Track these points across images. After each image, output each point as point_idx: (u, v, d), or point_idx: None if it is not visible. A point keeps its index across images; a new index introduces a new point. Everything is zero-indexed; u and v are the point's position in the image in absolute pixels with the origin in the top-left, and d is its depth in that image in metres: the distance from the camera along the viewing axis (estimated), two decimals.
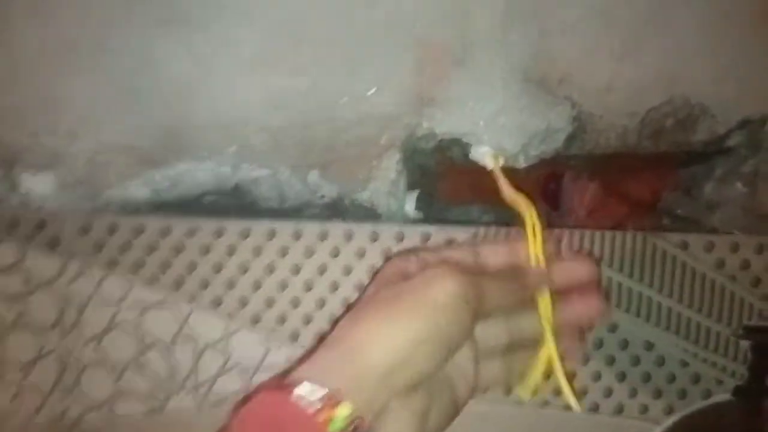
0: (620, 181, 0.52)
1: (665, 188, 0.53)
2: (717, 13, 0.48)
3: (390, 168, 0.50)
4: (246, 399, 0.33)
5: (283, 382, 0.33)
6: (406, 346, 0.33)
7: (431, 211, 0.51)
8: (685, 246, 0.49)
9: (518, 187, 0.45)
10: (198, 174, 0.47)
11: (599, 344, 0.49)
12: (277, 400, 0.32)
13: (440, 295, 0.34)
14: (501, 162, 0.49)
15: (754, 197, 0.52)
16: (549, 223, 0.43)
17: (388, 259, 0.44)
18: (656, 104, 0.50)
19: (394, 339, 0.34)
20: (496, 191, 0.46)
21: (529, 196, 0.44)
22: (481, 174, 0.48)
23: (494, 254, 0.41)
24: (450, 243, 0.49)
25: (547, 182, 0.53)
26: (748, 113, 0.50)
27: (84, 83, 0.47)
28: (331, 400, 0.32)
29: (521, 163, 0.50)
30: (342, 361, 0.33)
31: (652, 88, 0.49)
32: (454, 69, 0.48)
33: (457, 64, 0.48)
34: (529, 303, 0.39)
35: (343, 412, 0.31)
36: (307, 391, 0.32)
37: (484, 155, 0.49)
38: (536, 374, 0.40)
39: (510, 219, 0.45)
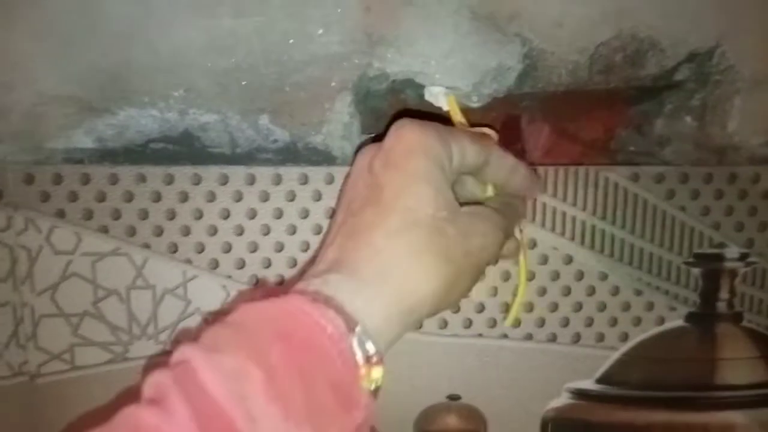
0: (574, 120, 0.53)
1: (618, 126, 0.54)
2: None
3: (343, 111, 0.50)
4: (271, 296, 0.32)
5: (331, 312, 0.32)
6: (440, 283, 0.35)
7: None
8: (636, 178, 0.50)
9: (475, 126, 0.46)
10: (143, 121, 0.47)
11: (555, 276, 0.51)
12: (324, 334, 0.31)
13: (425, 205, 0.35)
14: (456, 102, 0.49)
15: (703, 130, 0.53)
16: None
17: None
18: (605, 39, 0.50)
19: (429, 279, 0.34)
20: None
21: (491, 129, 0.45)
22: (438, 116, 0.48)
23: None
24: None
25: (504, 125, 0.53)
26: (695, 46, 0.51)
27: (18, 32, 0.45)
28: (374, 359, 0.32)
29: (475, 103, 0.50)
30: (383, 300, 0.33)
31: (601, 23, 0.50)
32: (402, 7, 0.48)
33: (405, 3, 0.48)
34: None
35: (378, 374, 0.32)
36: (357, 343, 0.31)
37: (438, 96, 0.50)
38: (517, 305, 0.46)
39: None
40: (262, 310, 0.32)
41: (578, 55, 0.50)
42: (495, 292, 0.50)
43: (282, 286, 0.38)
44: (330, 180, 0.48)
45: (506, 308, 0.50)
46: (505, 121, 0.53)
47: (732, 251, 0.52)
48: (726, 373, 0.53)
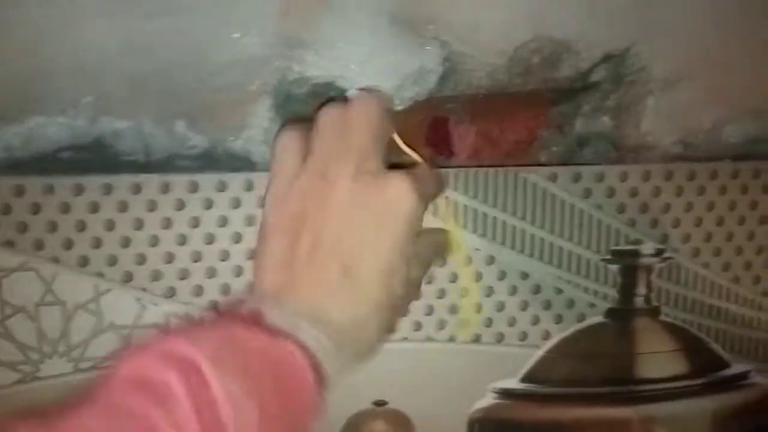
0: (498, 122, 0.54)
1: (540, 127, 0.55)
2: None
3: (263, 115, 0.50)
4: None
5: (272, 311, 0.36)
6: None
7: None
8: (554, 178, 0.52)
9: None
10: (52, 129, 0.46)
11: (479, 277, 0.51)
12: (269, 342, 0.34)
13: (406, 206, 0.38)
14: None
15: (619, 130, 0.55)
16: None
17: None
18: (522, 42, 0.51)
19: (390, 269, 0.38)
20: None
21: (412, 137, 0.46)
22: None
23: None
24: None
25: (432, 128, 0.54)
26: (609, 48, 0.52)
27: None
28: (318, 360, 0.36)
29: (397, 106, 0.51)
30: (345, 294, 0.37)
31: (518, 27, 0.52)
32: (321, 11, 0.48)
33: (324, 6, 0.48)
34: None
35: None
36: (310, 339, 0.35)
37: None
38: (466, 315, 0.48)
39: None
40: (261, 343, 0.34)
41: (497, 58, 0.52)
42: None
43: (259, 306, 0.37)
44: (249, 186, 0.48)
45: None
46: (432, 123, 0.53)
47: (648, 247, 0.54)
48: (646, 366, 0.56)
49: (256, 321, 0.35)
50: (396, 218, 0.38)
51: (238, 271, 0.50)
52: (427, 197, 0.40)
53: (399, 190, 0.38)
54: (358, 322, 0.37)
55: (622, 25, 0.55)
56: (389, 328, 0.40)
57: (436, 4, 0.52)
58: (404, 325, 0.53)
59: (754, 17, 0.56)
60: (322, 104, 0.42)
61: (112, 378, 0.32)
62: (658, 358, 0.58)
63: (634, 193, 0.55)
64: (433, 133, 0.56)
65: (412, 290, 0.41)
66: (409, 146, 0.45)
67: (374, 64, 0.52)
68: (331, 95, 0.50)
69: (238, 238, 0.50)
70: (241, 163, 0.51)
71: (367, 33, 0.51)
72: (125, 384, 0.32)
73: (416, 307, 0.53)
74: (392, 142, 0.44)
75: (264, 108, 0.51)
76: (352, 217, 0.38)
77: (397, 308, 0.39)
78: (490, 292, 0.54)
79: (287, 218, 0.39)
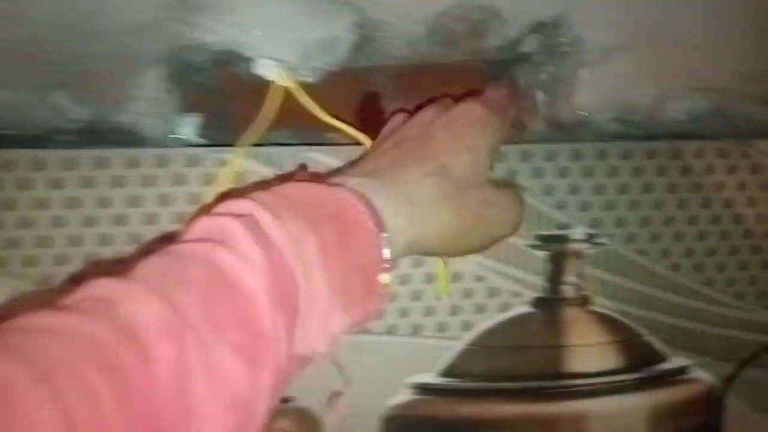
0: (429, 98, 0.50)
1: None
2: None
3: (153, 85, 0.46)
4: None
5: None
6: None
7: (224, 136, 0.47)
8: None
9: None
10: None
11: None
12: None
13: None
14: (293, 78, 0.45)
15: (552, 106, 0.51)
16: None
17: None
18: (445, 8, 0.47)
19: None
20: (301, 110, 0.46)
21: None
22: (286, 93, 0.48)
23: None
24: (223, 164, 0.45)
25: (364, 103, 0.50)
26: (539, 16, 0.48)
27: None
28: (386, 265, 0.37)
29: (307, 77, 0.47)
30: (404, 222, 0.38)
31: None
32: None
33: None
34: None
35: (387, 279, 0.37)
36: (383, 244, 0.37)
37: (269, 69, 0.46)
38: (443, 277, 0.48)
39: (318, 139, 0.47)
40: (315, 192, 0.37)
41: (416, 26, 0.48)
42: None
43: (317, 175, 0.43)
44: (133, 163, 0.43)
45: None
46: (363, 99, 0.49)
47: (577, 232, 0.52)
48: (575, 360, 0.54)
49: (312, 180, 0.39)
50: (458, 122, 0.42)
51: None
52: (504, 122, 0.45)
53: (469, 105, 0.43)
54: (408, 179, 0.39)
55: None
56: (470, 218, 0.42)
57: None
58: None
59: None
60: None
61: (177, 237, 0.34)
62: (588, 351, 0.55)
63: (563, 173, 0.52)
64: (364, 109, 0.52)
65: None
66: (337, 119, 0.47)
67: (279, 30, 0.49)
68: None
69: (120, 221, 0.48)
70: (130, 138, 0.48)
71: None
72: (189, 238, 0.33)
73: None
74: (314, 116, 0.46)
75: (155, 78, 0.48)
76: (444, 137, 0.42)
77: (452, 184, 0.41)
78: (405, 280, 0.52)
79: (385, 137, 0.44)
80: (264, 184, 0.39)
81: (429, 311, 0.52)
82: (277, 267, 0.33)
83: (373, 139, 0.48)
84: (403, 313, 0.52)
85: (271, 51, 0.49)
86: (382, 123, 0.52)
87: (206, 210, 0.35)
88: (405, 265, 0.52)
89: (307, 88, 0.48)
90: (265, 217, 0.34)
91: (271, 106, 0.48)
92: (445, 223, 0.41)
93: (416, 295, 0.52)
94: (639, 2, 0.53)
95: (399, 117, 0.47)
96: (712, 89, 0.57)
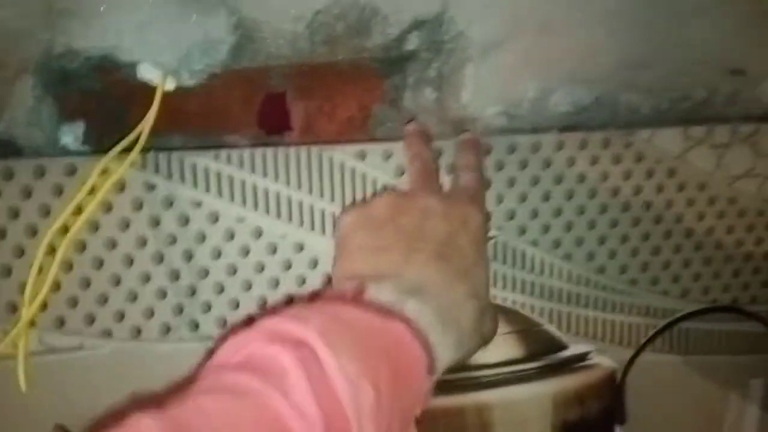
0: (329, 98, 0.50)
1: (374, 102, 0.51)
2: None
3: (26, 94, 0.44)
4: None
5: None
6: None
7: (108, 143, 0.45)
8: (362, 156, 0.48)
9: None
10: None
11: (287, 266, 0.48)
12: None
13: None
14: (171, 81, 0.44)
15: (441, 102, 0.51)
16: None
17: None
18: (323, 6, 0.47)
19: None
20: (198, 114, 0.46)
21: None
22: (181, 97, 0.46)
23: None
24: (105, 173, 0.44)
25: (267, 104, 0.49)
26: (419, 13, 0.48)
27: None
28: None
29: (189, 80, 0.46)
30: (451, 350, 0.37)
31: None
32: None
33: None
34: None
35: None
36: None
37: (150, 73, 0.45)
38: None
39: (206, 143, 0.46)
40: (369, 320, 0.34)
41: (295, 24, 0.48)
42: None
43: (359, 287, 0.37)
44: (8, 175, 0.41)
45: None
46: (266, 99, 0.49)
47: None
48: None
49: (358, 301, 0.35)
50: (472, 227, 0.41)
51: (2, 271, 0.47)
52: (484, 212, 0.44)
53: (469, 207, 0.42)
54: (456, 301, 0.38)
55: None
56: (483, 325, 0.40)
57: None
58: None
59: None
60: None
61: (217, 363, 0.31)
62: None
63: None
64: (267, 110, 0.51)
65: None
66: None
67: (153, 34, 0.47)
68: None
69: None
70: (5, 149, 0.46)
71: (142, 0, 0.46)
72: (234, 366, 0.31)
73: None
74: None
75: (27, 86, 0.46)
76: (434, 217, 0.41)
77: (483, 303, 0.40)
78: (301, 281, 0.51)
79: (365, 217, 0.41)
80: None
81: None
82: (332, 420, 0.30)
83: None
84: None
85: (150, 55, 0.48)
86: (286, 124, 0.51)
87: (247, 324, 0.32)
88: (300, 266, 0.50)
89: (198, 90, 0.49)
90: (325, 355, 0.31)
91: (153, 111, 0.48)
92: (475, 344, 0.40)
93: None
94: None
95: (391, 195, 0.43)
96: (595, 80, 0.58)
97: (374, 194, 0.48)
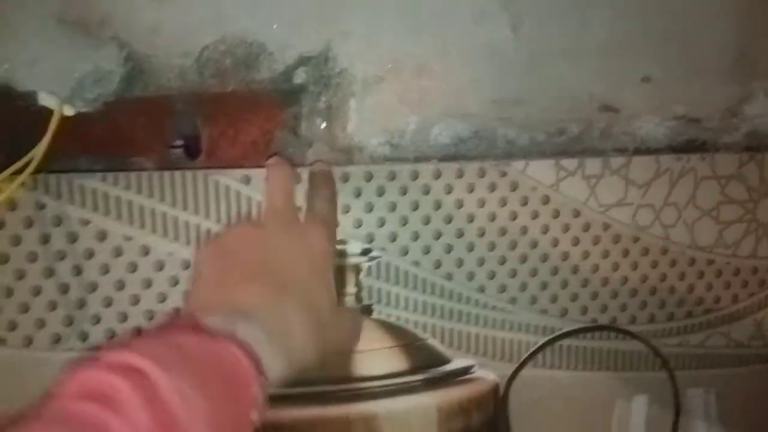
0: (231, 123, 0.51)
1: (275, 128, 0.53)
2: None
3: None
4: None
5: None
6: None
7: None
8: (247, 181, 0.49)
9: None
10: None
11: (174, 282, 0.49)
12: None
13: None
14: (69, 109, 0.46)
15: (330, 132, 0.53)
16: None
17: None
18: (209, 43, 0.48)
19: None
20: (104, 138, 0.47)
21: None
22: (86, 122, 0.47)
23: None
24: None
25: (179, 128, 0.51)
26: (304, 50, 0.50)
27: None
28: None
29: (83, 107, 0.48)
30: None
31: (202, 29, 0.50)
32: None
33: None
34: None
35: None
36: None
37: (48, 100, 0.47)
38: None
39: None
40: (205, 345, 0.36)
41: (183, 59, 0.50)
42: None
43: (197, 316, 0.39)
44: None
45: None
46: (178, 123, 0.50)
47: (354, 247, 0.52)
48: (363, 364, 0.53)
49: (194, 328, 0.37)
50: (315, 252, 0.43)
51: None
52: (332, 238, 0.46)
53: (315, 235, 0.44)
54: (285, 318, 0.40)
55: (313, 28, 0.53)
56: (330, 335, 0.43)
57: (110, 5, 0.49)
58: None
59: (450, 21, 0.55)
60: None
61: (59, 393, 0.32)
62: (374, 356, 0.57)
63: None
64: (180, 133, 0.53)
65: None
66: None
67: (44, 66, 0.49)
68: None
69: None
70: None
71: (32, 34, 0.48)
72: (73, 396, 0.32)
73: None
74: None
75: None
76: (278, 249, 0.43)
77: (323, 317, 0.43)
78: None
79: (216, 248, 0.44)
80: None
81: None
82: (167, 430, 0.32)
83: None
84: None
85: (43, 85, 0.51)
86: (197, 146, 0.53)
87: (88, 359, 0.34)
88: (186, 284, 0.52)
89: (103, 114, 0.50)
90: (157, 377, 0.32)
91: (47, 136, 0.49)
92: (312, 354, 0.41)
93: None
94: (393, 37, 0.55)
95: (243, 227, 0.47)
96: (473, 115, 0.60)
97: (227, 226, 0.51)
